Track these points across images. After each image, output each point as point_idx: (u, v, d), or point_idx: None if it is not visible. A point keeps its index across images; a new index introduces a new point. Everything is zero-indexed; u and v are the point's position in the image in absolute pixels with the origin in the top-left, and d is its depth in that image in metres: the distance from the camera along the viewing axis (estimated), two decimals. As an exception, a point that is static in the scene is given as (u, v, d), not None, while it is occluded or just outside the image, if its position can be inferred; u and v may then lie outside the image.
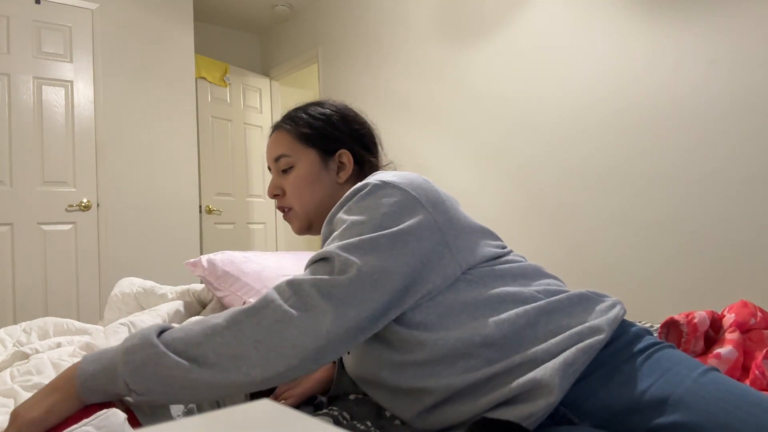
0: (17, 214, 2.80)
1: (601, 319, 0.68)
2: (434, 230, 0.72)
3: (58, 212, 2.92)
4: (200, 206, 3.72)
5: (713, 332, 0.95)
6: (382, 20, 3.42)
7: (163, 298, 1.60)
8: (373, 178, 0.77)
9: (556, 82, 2.48)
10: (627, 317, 0.75)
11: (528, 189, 2.62)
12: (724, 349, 0.87)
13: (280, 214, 4.49)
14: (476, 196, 2.86)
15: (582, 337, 0.65)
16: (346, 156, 0.91)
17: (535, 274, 0.77)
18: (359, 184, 0.77)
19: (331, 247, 0.69)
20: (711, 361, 0.87)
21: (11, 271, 2.77)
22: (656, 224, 2.15)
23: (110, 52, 3.11)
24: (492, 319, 0.67)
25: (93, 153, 3.04)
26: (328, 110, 0.94)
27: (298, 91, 4.84)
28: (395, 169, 0.96)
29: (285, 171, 0.92)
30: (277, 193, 0.93)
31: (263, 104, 4.49)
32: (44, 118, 2.90)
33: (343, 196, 0.79)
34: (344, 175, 0.91)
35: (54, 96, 2.93)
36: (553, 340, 0.66)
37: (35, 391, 1.09)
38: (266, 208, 4.41)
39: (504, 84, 2.71)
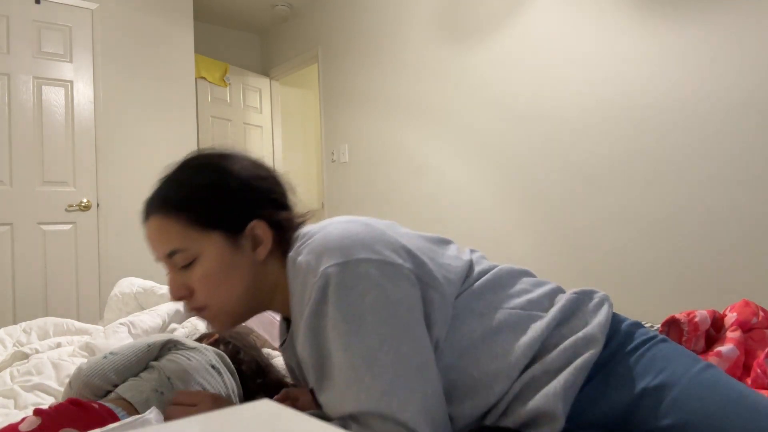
0: (17, 214, 2.80)
1: (593, 325, 0.67)
2: (416, 283, 0.65)
3: (58, 212, 2.91)
4: (200, 206, 3.72)
5: (714, 332, 0.95)
6: (382, 20, 3.41)
7: (163, 298, 1.60)
8: (320, 260, 0.63)
9: (556, 82, 2.48)
10: (627, 317, 0.74)
11: (528, 189, 2.62)
12: (726, 348, 0.87)
13: (280, 214, 4.49)
14: (476, 196, 2.85)
15: (577, 350, 0.65)
16: (260, 227, 0.71)
17: (510, 279, 0.74)
18: (306, 275, 0.64)
19: (365, 408, 0.58)
20: (712, 359, 0.87)
21: (11, 271, 2.77)
22: (657, 223, 2.14)
23: (110, 52, 3.11)
24: (487, 356, 0.65)
25: (93, 153, 3.03)
26: (219, 173, 0.72)
27: (298, 91, 4.84)
28: (313, 216, 0.80)
29: (185, 267, 0.71)
30: (182, 294, 0.72)
31: (263, 104, 4.49)
32: (44, 118, 2.89)
33: (295, 296, 0.66)
34: (264, 251, 0.72)
35: (54, 96, 2.93)
36: (548, 358, 0.64)
37: (35, 391, 1.08)
38: (266, 208, 4.41)
39: (504, 84, 2.70)
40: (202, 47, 3.96)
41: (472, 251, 0.79)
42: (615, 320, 0.71)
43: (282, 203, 0.75)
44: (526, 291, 0.72)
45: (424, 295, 0.65)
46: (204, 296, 0.71)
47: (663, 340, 0.68)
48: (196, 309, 0.73)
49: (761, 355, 0.84)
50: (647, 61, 2.16)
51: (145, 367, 0.89)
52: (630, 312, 1.12)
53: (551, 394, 0.61)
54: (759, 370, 0.82)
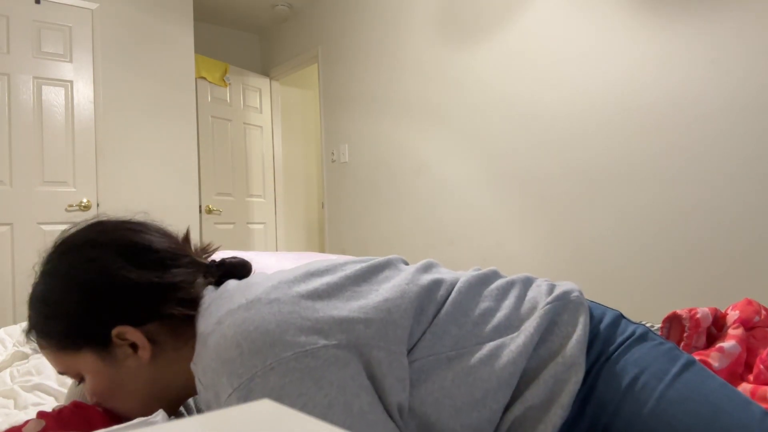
0: (17, 214, 2.80)
1: (572, 344, 0.60)
2: (350, 357, 0.52)
3: (58, 212, 2.91)
4: (200, 206, 3.72)
5: (716, 330, 0.94)
6: (382, 20, 3.41)
7: (163, 298, 1.59)
8: (219, 391, 0.51)
9: (557, 82, 2.47)
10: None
11: (528, 189, 2.62)
12: (728, 344, 0.86)
13: (280, 214, 4.49)
14: (476, 196, 2.85)
15: (558, 379, 0.58)
16: (129, 333, 0.60)
17: (471, 299, 0.64)
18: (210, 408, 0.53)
19: None
20: (713, 354, 0.86)
21: (11, 271, 2.77)
22: (657, 223, 2.14)
23: (110, 52, 3.10)
24: (466, 403, 0.57)
25: (93, 153, 3.03)
26: (57, 291, 0.62)
27: (298, 91, 4.83)
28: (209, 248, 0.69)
29: (80, 381, 0.65)
30: (97, 401, 0.66)
31: (263, 104, 4.49)
32: (44, 118, 2.89)
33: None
34: (146, 353, 0.60)
35: (54, 96, 2.93)
36: (528, 394, 0.58)
37: (35, 391, 1.08)
38: (266, 208, 4.41)
39: (504, 84, 2.70)
40: (202, 47, 3.96)
41: (426, 268, 0.68)
42: (592, 323, 0.64)
43: (167, 288, 0.61)
44: (491, 311, 0.63)
45: (367, 358, 0.53)
46: (111, 406, 0.64)
47: (639, 339, 0.63)
48: None
49: (764, 352, 0.84)
50: (648, 61, 2.16)
51: None
52: (632, 313, 1.12)
53: None
54: (762, 366, 0.82)
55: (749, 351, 0.88)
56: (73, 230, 0.67)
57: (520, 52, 2.63)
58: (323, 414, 0.49)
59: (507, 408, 0.58)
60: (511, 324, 0.62)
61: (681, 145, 2.07)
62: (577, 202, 2.41)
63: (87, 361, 0.61)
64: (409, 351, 0.58)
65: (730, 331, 0.89)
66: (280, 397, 0.49)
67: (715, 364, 0.85)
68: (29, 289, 0.66)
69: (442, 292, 0.63)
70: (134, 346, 0.61)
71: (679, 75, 2.07)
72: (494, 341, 0.60)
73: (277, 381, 0.49)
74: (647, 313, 2.01)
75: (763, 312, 0.93)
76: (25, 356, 1.28)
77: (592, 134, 2.35)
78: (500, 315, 0.63)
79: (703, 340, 0.92)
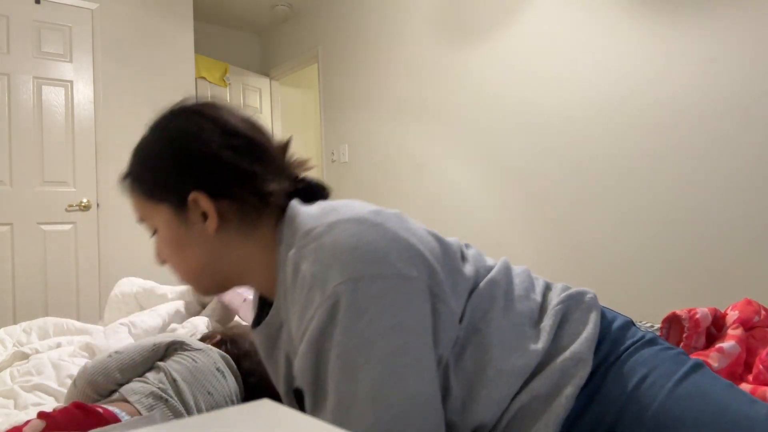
0: (17, 214, 2.80)
1: (581, 341, 0.63)
2: (428, 298, 0.59)
3: (58, 212, 2.91)
4: (200, 206, 3.72)
5: (716, 330, 0.94)
6: (382, 20, 3.41)
7: (163, 298, 1.59)
8: (329, 274, 0.57)
9: (557, 83, 2.48)
10: (618, 314, 0.73)
11: (528, 189, 2.62)
12: (727, 344, 0.86)
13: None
14: (476, 196, 2.85)
15: (565, 373, 0.60)
16: (201, 200, 0.65)
17: (507, 286, 0.68)
18: (312, 289, 0.58)
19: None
20: (713, 354, 0.86)
21: (11, 271, 2.77)
22: (658, 223, 2.14)
23: (110, 52, 3.11)
24: (491, 399, 0.60)
25: (93, 153, 3.03)
26: (155, 143, 0.69)
27: (298, 91, 4.83)
28: (299, 172, 0.73)
29: (155, 233, 0.72)
30: (159, 260, 0.73)
31: (263, 104, 4.49)
32: (44, 118, 2.89)
33: (296, 304, 0.60)
34: (212, 224, 0.66)
35: (54, 96, 2.93)
36: (534, 383, 0.61)
37: (35, 391, 1.08)
38: (266, 207, 4.41)
39: (504, 84, 2.70)
40: (202, 47, 3.96)
41: (467, 247, 0.73)
42: (604, 323, 0.66)
43: (242, 175, 0.65)
44: (521, 299, 0.67)
45: (434, 307, 0.59)
46: (170, 264, 0.71)
47: (647, 342, 0.65)
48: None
49: (763, 352, 0.84)
50: (648, 61, 2.16)
51: (151, 368, 0.88)
52: (632, 313, 1.12)
53: (543, 428, 0.58)
54: (761, 366, 0.82)
55: (749, 351, 0.88)
56: (193, 100, 0.72)
57: (519, 52, 2.63)
58: (400, 339, 0.55)
59: (514, 396, 0.60)
60: (533, 318, 0.66)
61: (681, 145, 2.07)
62: (577, 202, 2.42)
63: (163, 214, 0.68)
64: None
65: (730, 332, 0.89)
66: (376, 305, 0.56)
67: (715, 364, 0.85)
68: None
69: (484, 273, 0.69)
70: (204, 217, 0.66)
71: (679, 75, 2.07)
72: (519, 326, 0.64)
73: (380, 289, 0.56)
74: (647, 313, 2.01)
75: (763, 312, 0.93)
76: (25, 356, 1.28)
77: (591, 134, 2.36)
78: (526, 305, 0.66)
79: (702, 340, 0.92)
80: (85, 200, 2.98)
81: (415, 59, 3.19)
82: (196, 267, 0.69)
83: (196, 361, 0.89)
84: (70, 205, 2.94)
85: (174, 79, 3.35)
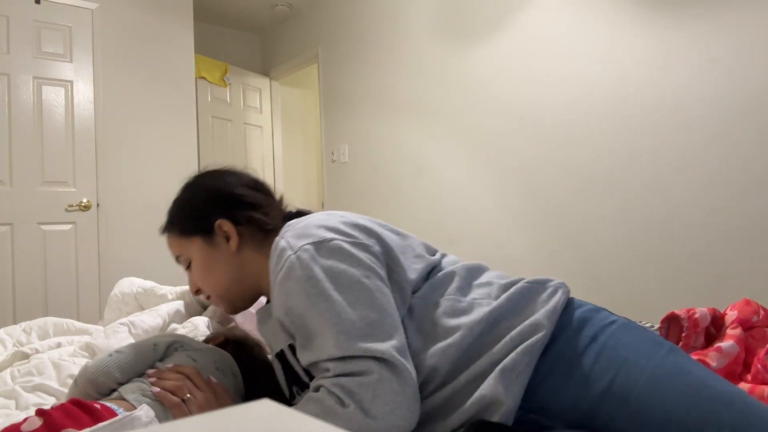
0: (17, 214, 2.80)
1: (540, 312, 0.69)
2: (383, 264, 0.75)
3: (58, 212, 2.91)
4: (200, 206, 3.72)
5: (715, 330, 0.95)
6: (382, 20, 3.41)
7: (163, 299, 1.59)
8: (299, 241, 0.74)
9: (557, 82, 2.48)
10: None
11: (528, 189, 2.62)
12: (726, 344, 0.87)
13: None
14: (476, 196, 2.85)
15: (523, 337, 0.67)
16: (225, 225, 0.86)
17: (468, 276, 0.79)
18: (284, 251, 0.74)
19: (345, 348, 0.65)
20: (711, 353, 0.87)
21: (11, 271, 2.77)
22: (658, 223, 2.14)
23: (110, 52, 3.10)
24: (439, 346, 0.69)
25: (93, 153, 3.03)
26: (188, 193, 0.92)
27: (298, 91, 4.83)
28: (293, 208, 0.95)
29: (188, 267, 0.91)
30: (194, 289, 0.92)
31: (263, 104, 4.49)
32: (44, 118, 2.89)
33: (273, 272, 0.75)
34: (234, 242, 0.86)
35: (54, 96, 2.93)
36: (494, 348, 0.67)
37: (36, 392, 1.08)
38: (266, 207, 4.41)
39: (504, 84, 2.70)
40: (202, 47, 3.96)
41: (443, 255, 0.86)
42: (570, 306, 0.72)
43: (251, 205, 0.88)
44: (485, 284, 0.77)
45: (388, 275, 0.74)
46: (205, 287, 0.89)
47: (623, 325, 0.69)
48: (207, 298, 0.92)
49: (762, 352, 0.84)
50: (648, 61, 2.16)
51: (151, 367, 0.88)
52: (631, 313, 1.12)
53: (490, 378, 0.64)
54: (759, 366, 0.83)
55: (747, 351, 0.89)
56: (214, 166, 0.97)
57: (519, 52, 2.63)
58: (362, 273, 0.70)
59: (473, 362, 0.68)
60: (491, 295, 0.75)
61: (681, 145, 2.07)
62: (577, 203, 2.42)
63: (196, 244, 0.88)
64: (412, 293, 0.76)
65: (729, 331, 0.90)
66: (338, 254, 0.72)
67: (714, 363, 0.85)
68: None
69: (449, 267, 0.82)
70: (227, 239, 0.86)
71: (679, 75, 2.07)
72: (472, 300, 0.74)
73: (340, 245, 0.73)
74: (647, 313, 2.01)
75: (762, 312, 0.93)
76: (26, 356, 1.28)
77: (591, 134, 2.36)
78: (487, 289, 0.76)
79: (701, 340, 0.93)
80: (85, 200, 2.98)
81: (415, 59, 3.19)
82: (226, 281, 0.88)
83: (195, 361, 0.89)
84: (70, 205, 2.95)
85: (174, 79, 3.35)
